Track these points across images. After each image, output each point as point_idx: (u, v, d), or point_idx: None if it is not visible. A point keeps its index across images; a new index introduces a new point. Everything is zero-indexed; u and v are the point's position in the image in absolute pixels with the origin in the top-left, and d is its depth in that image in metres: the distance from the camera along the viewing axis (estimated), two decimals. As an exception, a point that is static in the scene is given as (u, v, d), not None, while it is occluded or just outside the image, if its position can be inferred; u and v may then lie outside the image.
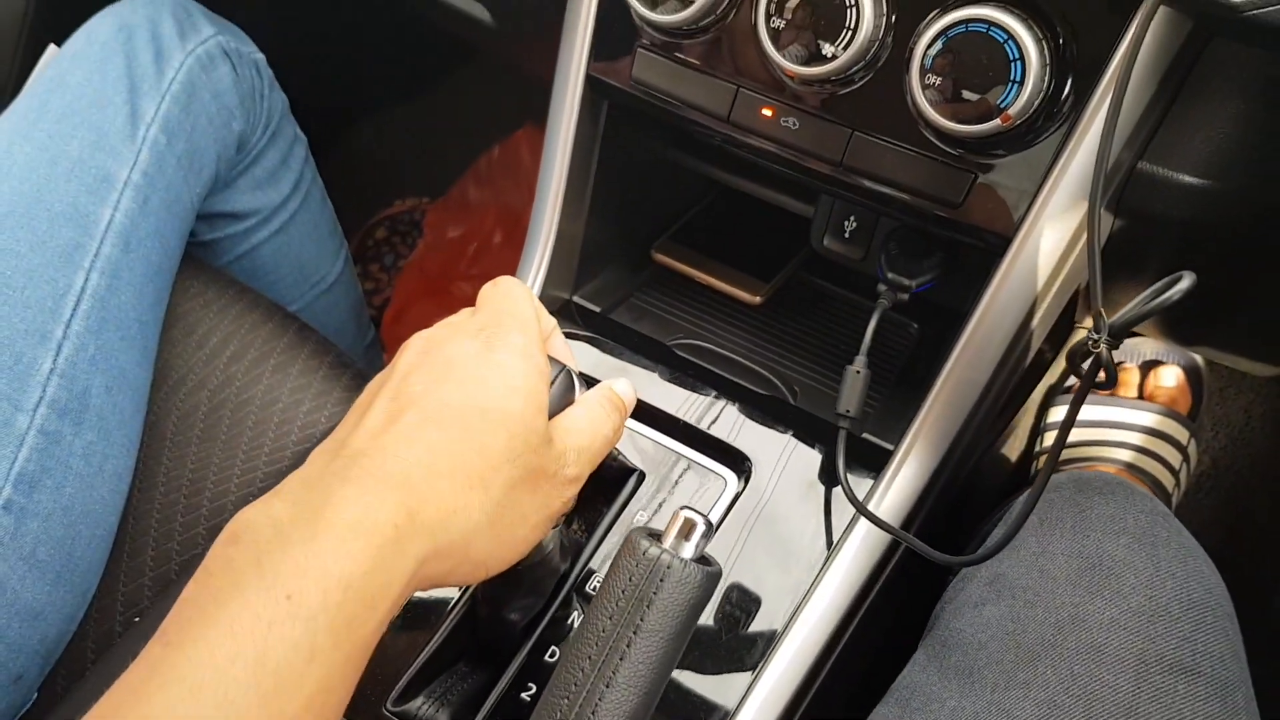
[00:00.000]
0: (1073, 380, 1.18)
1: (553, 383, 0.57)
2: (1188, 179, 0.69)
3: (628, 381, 0.64)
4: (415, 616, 0.71)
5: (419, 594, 0.72)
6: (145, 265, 0.86)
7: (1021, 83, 0.63)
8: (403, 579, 0.47)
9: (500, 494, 0.52)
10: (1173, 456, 1.13)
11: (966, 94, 0.65)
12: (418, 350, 0.57)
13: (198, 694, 0.42)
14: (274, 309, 0.96)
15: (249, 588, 0.44)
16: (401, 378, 0.55)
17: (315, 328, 0.97)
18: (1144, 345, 1.21)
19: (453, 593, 0.72)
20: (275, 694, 0.43)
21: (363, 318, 1.27)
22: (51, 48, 1.01)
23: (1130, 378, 1.19)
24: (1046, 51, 0.64)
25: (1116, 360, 1.21)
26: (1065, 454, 1.14)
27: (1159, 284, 0.52)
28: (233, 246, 1.05)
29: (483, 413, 0.52)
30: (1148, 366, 1.20)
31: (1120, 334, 0.53)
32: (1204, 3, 0.59)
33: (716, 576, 0.55)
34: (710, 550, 0.57)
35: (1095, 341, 0.54)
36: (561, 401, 0.58)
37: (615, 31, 0.79)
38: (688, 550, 0.54)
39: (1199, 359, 1.20)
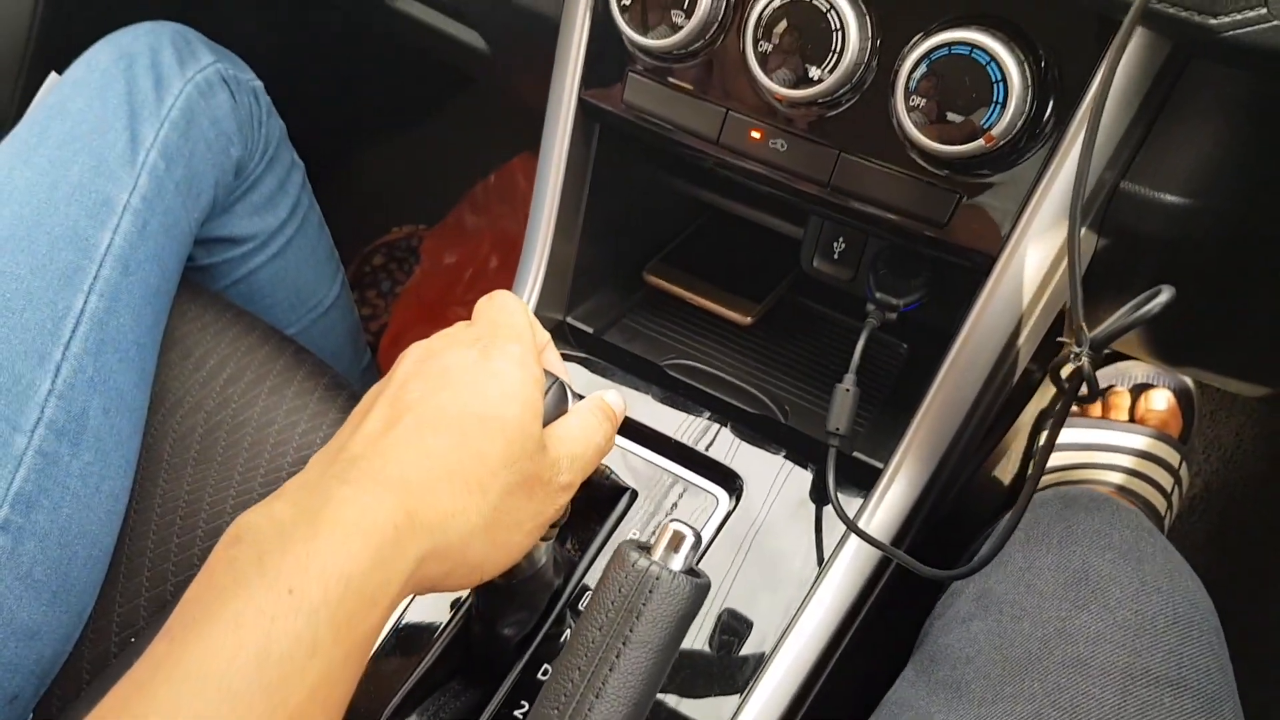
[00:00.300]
0: (1064, 402, 1.18)
1: (546, 393, 0.58)
2: (1171, 198, 0.70)
3: (618, 392, 0.65)
4: (409, 635, 0.72)
5: (412, 616, 0.73)
6: (144, 288, 0.87)
7: (1004, 104, 0.64)
8: (401, 578, 0.48)
9: (497, 499, 0.53)
10: (1164, 479, 1.14)
11: (951, 115, 0.66)
12: (415, 359, 0.58)
13: (202, 687, 0.42)
14: (270, 332, 0.96)
15: (251, 584, 0.45)
16: (399, 385, 0.56)
17: (312, 351, 0.98)
18: (1135, 368, 1.22)
19: (446, 610, 0.72)
20: (278, 686, 0.43)
21: (359, 341, 1.28)
22: (53, 75, 1.02)
23: (1121, 401, 1.20)
24: (1028, 73, 0.65)
25: (1108, 384, 1.22)
26: (1057, 476, 1.15)
27: (1139, 298, 0.53)
28: (230, 271, 1.06)
29: (480, 419, 0.53)
30: (1138, 390, 1.21)
31: (1100, 347, 0.54)
32: (1181, 25, 0.59)
33: (705, 588, 0.56)
34: (703, 568, 0.57)
35: (1077, 355, 0.54)
36: (555, 411, 0.59)
37: (607, 57, 0.80)
38: (676, 562, 0.55)
39: (1189, 382, 1.21)
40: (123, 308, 0.85)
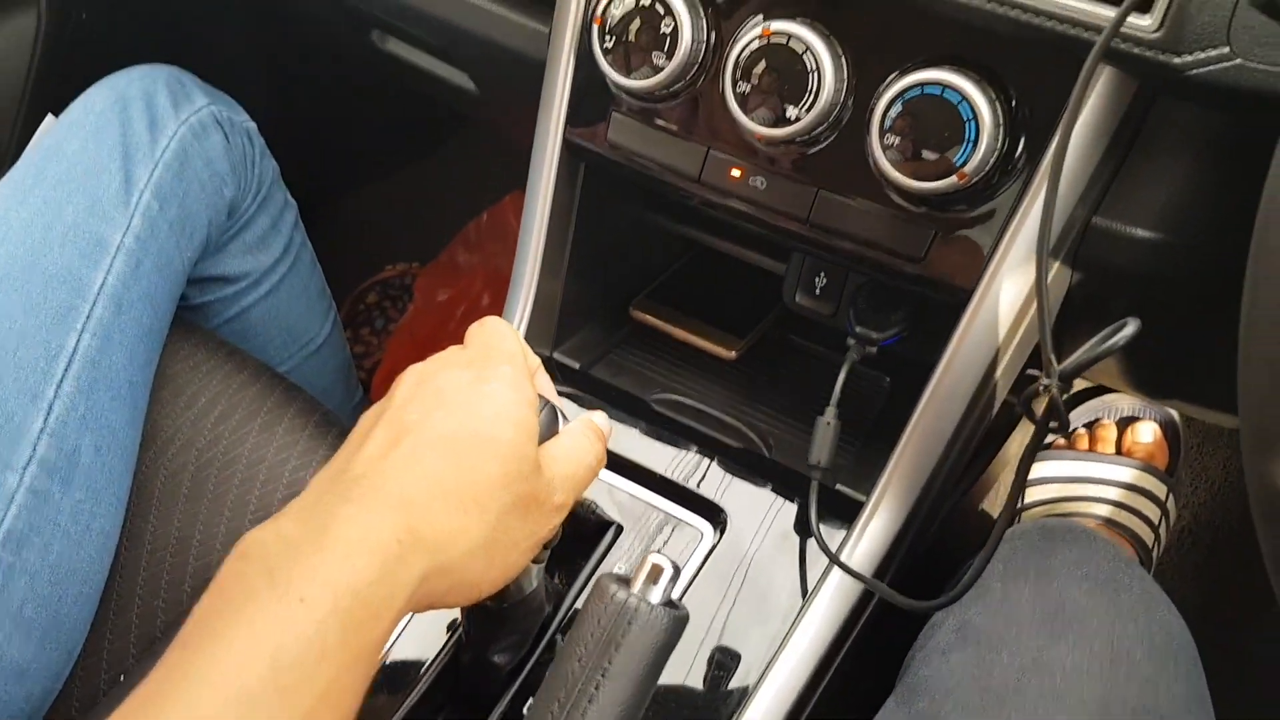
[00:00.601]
0: (1050, 438, 1.19)
1: (538, 414, 0.59)
2: (1142, 233, 0.71)
3: (603, 413, 0.66)
4: (397, 668, 0.72)
5: (399, 653, 0.73)
6: (136, 327, 0.88)
7: (975, 142, 0.66)
8: (406, 592, 0.49)
9: (495, 518, 0.54)
10: (1151, 511, 1.14)
11: (925, 153, 0.67)
12: (412, 382, 0.59)
13: (217, 690, 0.43)
14: (262, 369, 0.97)
15: (261, 595, 0.46)
16: (397, 407, 0.57)
17: (304, 388, 0.99)
18: (1121, 401, 1.23)
19: (436, 642, 0.73)
20: (291, 690, 0.44)
21: (351, 379, 1.29)
22: (49, 117, 1.03)
23: (1107, 434, 1.21)
24: (999, 112, 0.66)
25: (1094, 417, 1.23)
26: (1044, 510, 1.15)
27: (1105, 331, 0.54)
28: (223, 309, 1.07)
29: (476, 440, 0.54)
30: (1125, 423, 1.22)
31: (1069, 378, 0.55)
32: (1146, 64, 0.61)
33: (683, 620, 0.56)
34: (686, 603, 0.58)
35: (1046, 386, 0.55)
36: (548, 432, 0.60)
37: (591, 97, 0.82)
38: (655, 595, 0.56)
39: (1175, 415, 1.22)
40: (115, 346, 0.85)
